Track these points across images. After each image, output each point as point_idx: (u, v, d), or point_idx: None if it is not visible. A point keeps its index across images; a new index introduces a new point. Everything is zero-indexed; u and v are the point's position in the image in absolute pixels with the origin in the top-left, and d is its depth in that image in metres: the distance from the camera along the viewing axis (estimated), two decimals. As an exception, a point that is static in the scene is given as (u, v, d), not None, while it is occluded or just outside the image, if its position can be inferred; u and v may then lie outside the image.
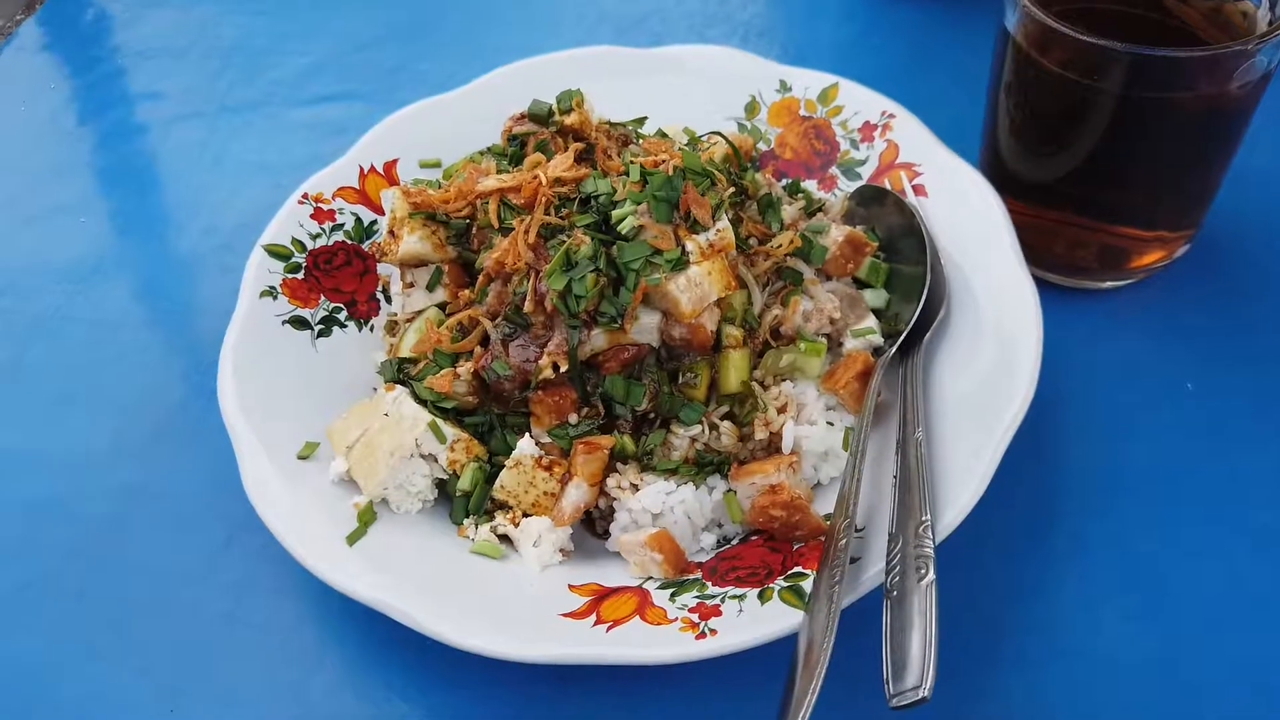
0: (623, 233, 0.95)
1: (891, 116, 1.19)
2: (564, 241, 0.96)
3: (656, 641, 0.82)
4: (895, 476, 0.90)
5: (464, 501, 0.97)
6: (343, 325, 1.11)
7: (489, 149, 1.13)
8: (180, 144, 1.47)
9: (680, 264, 0.94)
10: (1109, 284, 1.17)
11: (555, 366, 0.94)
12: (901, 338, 1.03)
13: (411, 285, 1.06)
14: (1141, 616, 0.94)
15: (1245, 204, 1.21)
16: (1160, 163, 1.04)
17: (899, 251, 1.11)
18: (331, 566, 0.88)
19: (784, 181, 1.22)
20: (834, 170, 1.21)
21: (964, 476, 0.89)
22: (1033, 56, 1.03)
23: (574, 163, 1.02)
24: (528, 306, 0.95)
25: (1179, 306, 1.15)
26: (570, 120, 1.07)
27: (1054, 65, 1.01)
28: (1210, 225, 1.16)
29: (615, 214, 0.96)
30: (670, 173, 0.96)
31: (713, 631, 0.82)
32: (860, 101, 1.21)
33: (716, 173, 1.00)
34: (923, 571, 0.80)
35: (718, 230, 0.96)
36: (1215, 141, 1.04)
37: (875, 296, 1.09)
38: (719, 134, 1.17)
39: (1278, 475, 1.01)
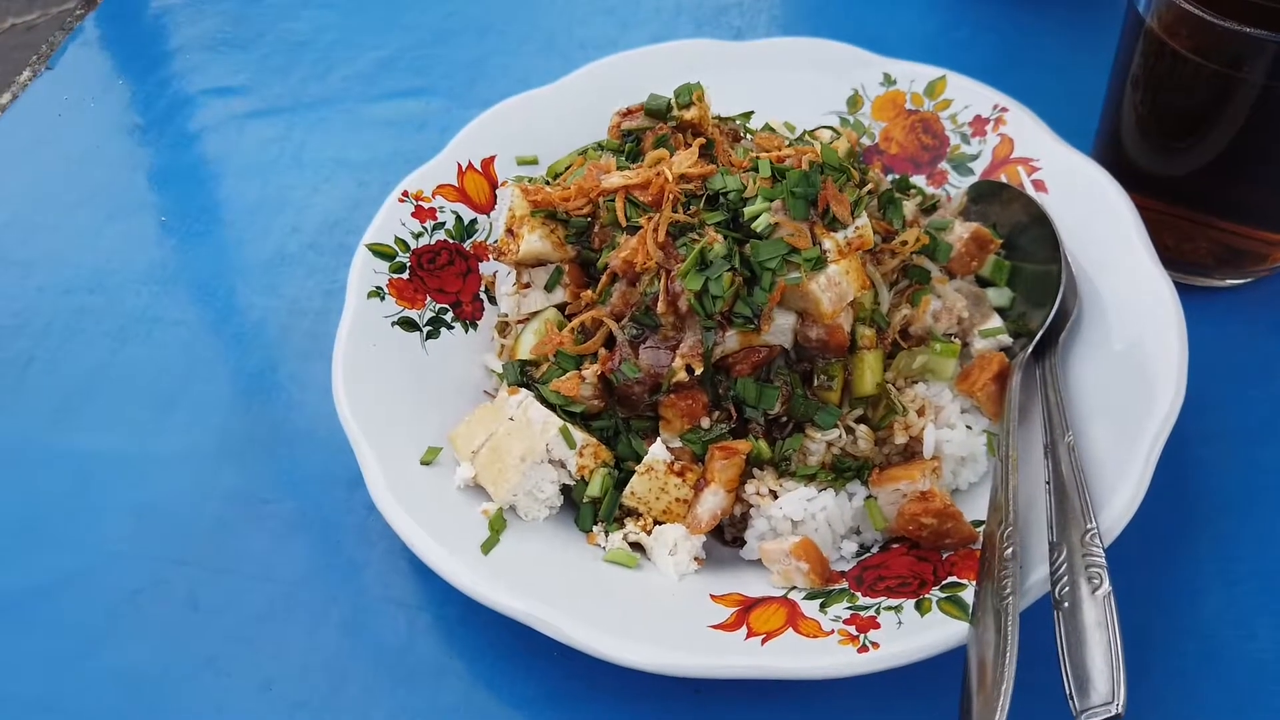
0: (757, 230, 0.92)
1: (1004, 110, 1.16)
2: (694, 240, 0.93)
3: (817, 654, 0.80)
4: (1047, 482, 0.87)
5: (592, 508, 0.94)
6: (449, 326, 1.08)
7: (601, 145, 1.10)
8: (256, 140, 1.44)
9: (819, 263, 0.91)
10: (1229, 282, 1.15)
11: (689, 369, 0.92)
12: (1037, 337, 1.00)
13: (528, 285, 1.03)
14: (1295, 625, 0.91)
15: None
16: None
17: (1019, 248, 1.08)
18: (473, 577, 0.85)
19: (891, 177, 1.19)
20: (944, 165, 1.18)
21: (1116, 483, 0.86)
22: (1168, 45, 1.00)
23: (698, 158, 0.99)
24: (660, 307, 0.92)
25: (1304, 305, 1.12)
26: (690, 115, 1.04)
27: (1192, 55, 0.98)
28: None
29: (748, 211, 0.93)
30: (806, 168, 0.93)
31: (874, 644, 0.80)
32: (970, 95, 1.19)
33: (850, 168, 0.97)
34: (1096, 582, 0.77)
35: (856, 227, 0.93)
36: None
37: (999, 295, 1.06)
38: (832, 128, 1.14)
39: None
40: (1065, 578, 0.79)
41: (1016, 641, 0.74)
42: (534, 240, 0.99)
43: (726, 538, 0.96)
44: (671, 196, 0.95)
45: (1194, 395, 1.06)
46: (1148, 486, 0.85)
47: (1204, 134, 1.02)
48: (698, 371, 0.92)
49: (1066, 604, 0.77)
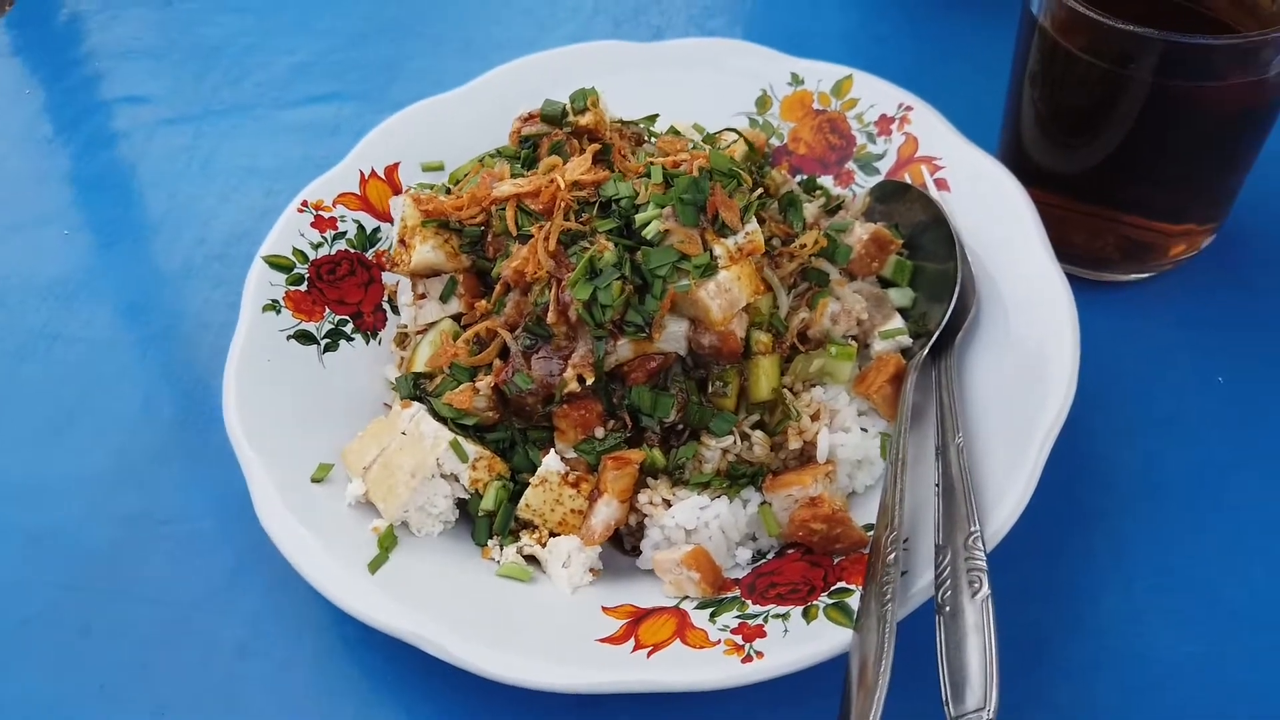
0: (647, 237, 0.92)
1: (909, 109, 1.16)
2: (585, 248, 0.92)
3: (701, 666, 0.79)
4: (937, 485, 0.87)
5: (487, 522, 0.93)
6: (349, 338, 1.07)
7: (499, 151, 1.09)
8: (165, 149, 1.41)
9: (709, 269, 0.90)
10: (1132, 276, 1.15)
11: (581, 379, 0.91)
12: (933, 338, 1.00)
13: (423, 296, 1.01)
14: (1188, 620, 0.91)
15: (1269, 191, 1.19)
16: (1192, 154, 1.02)
17: (922, 248, 1.08)
18: (356, 597, 0.84)
19: (799, 178, 1.19)
20: (850, 165, 1.18)
21: (1006, 484, 0.86)
22: (1061, 44, 1.00)
23: (592, 165, 0.98)
24: (550, 317, 0.91)
25: (1205, 298, 1.13)
26: (585, 120, 1.03)
27: (1083, 53, 0.98)
28: (1234, 214, 1.15)
29: (639, 218, 0.92)
30: (695, 174, 0.93)
31: (759, 654, 0.79)
32: (876, 94, 1.18)
33: (742, 172, 0.96)
34: (976, 585, 0.77)
35: (747, 233, 0.92)
36: (1249, 131, 1.01)
37: (901, 295, 1.06)
38: (735, 130, 1.14)
39: (1317, 470, 0.99)
40: (948, 581, 0.79)
41: (893, 649, 0.74)
42: (426, 251, 0.98)
43: (626, 547, 0.96)
44: (563, 204, 0.94)
45: (1096, 390, 1.07)
46: (1034, 490, 0.85)
47: (1099, 130, 1.02)
48: (589, 381, 0.91)
49: (948, 608, 0.77)
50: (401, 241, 1.00)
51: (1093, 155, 1.05)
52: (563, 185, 0.95)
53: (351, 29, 1.58)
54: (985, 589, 0.76)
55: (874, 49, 1.49)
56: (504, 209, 0.96)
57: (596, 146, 1.00)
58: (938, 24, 1.50)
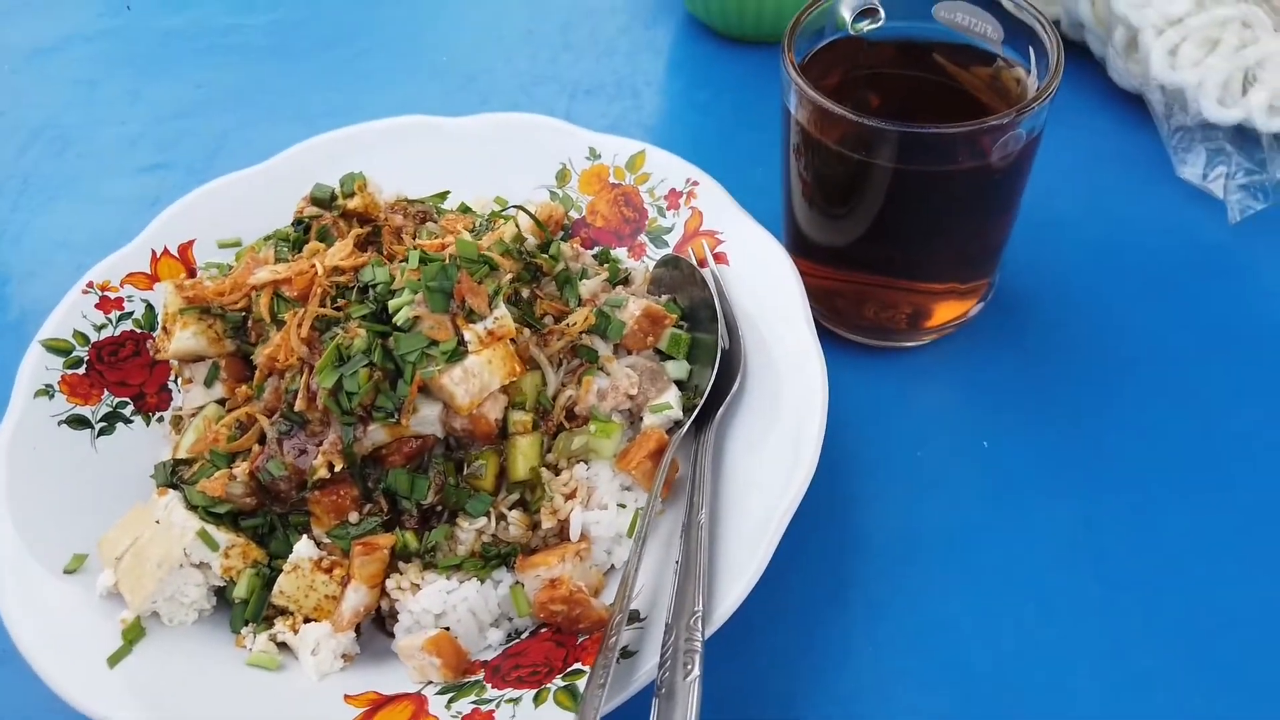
0: (399, 324, 0.93)
1: (695, 183, 1.19)
2: (339, 334, 0.93)
3: (422, 756, 0.80)
4: (677, 562, 0.89)
5: (242, 609, 0.93)
6: (128, 421, 1.07)
7: (274, 234, 1.10)
8: (-22, 224, 1.40)
9: (456, 355, 0.92)
10: (915, 343, 1.19)
11: (330, 465, 0.92)
12: (694, 413, 1.02)
13: (190, 381, 1.02)
14: (934, 682, 0.94)
15: (1039, 256, 1.25)
16: (939, 227, 1.07)
17: (701, 322, 1.11)
18: (85, 692, 0.83)
19: (595, 250, 1.22)
20: (643, 238, 1.21)
21: (744, 561, 0.88)
22: (811, 134, 1.04)
23: (356, 249, 1.00)
24: (299, 404, 0.92)
25: (977, 362, 1.17)
26: (354, 204, 1.04)
27: (831, 142, 1.02)
28: (1008, 278, 1.20)
29: (392, 304, 0.94)
30: (447, 260, 0.95)
31: (481, 741, 0.80)
32: (666, 168, 1.22)
33: (498, 256, 0.99)
34: (689, 667, 0.79)
35: (496, 318, 0.95)
36: (989, 204, 1.06)
37: (677, 368, 1.08)
38: (521, 207, 1.16)
39: (1066, 536, 1.03)
40: (670, 663, 0.80)
41: (594, 736, 0.76)
42: (186, 337, 0.99)
43: (388, 629, 0.96)
44: (320, 290, 0.96)
45: (868, 454, 1.11)
46: (761, 575, 0.87)
47: (854, 208, 1.07)
48: (339, 467, 0.92)
49: (664, 690, 0.78)
50: (164, 328, 1.01)
51: (852, 229, 1.09)
52: (322, 270, 0.97)
53: (186, 98, 1.59)
54: (696, 671, 0.78)
55: (691, 115, 1.53)
56: (261, 295, 0.97)
57: (360, 231, 1.02)
58: (755, 91, 1.54)
